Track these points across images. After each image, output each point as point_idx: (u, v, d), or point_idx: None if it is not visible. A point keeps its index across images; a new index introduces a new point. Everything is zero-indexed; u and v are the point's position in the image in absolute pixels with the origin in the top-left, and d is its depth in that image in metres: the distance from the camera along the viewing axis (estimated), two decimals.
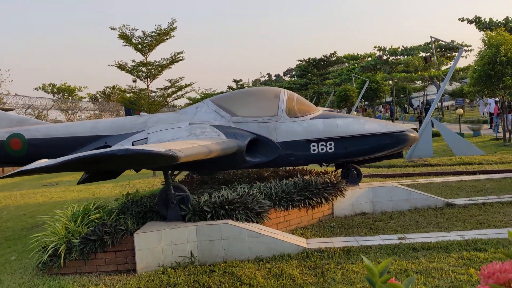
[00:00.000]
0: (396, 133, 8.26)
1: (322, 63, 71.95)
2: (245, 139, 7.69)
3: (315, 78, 73.01)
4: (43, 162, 4.22)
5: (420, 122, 30.87)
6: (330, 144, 8.06)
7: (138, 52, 16.67)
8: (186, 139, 7.59)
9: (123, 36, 16.28)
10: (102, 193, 13.60)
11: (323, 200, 7.87)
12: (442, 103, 49.01)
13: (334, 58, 70.40)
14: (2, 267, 6.78)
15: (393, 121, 43.43)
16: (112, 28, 16.09)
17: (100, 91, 55.77)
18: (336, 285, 5.01)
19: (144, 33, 16.13)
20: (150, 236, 6.15)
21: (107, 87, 56.41)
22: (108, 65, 17.78)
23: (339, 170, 9.06)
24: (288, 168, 9.74)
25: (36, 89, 39.94)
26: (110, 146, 7.92)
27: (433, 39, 16.79)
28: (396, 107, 61.81)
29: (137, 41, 16.22)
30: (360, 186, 8.75)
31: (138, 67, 16.42)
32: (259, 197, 7.11)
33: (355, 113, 63.64)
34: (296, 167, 9.70)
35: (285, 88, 67.78)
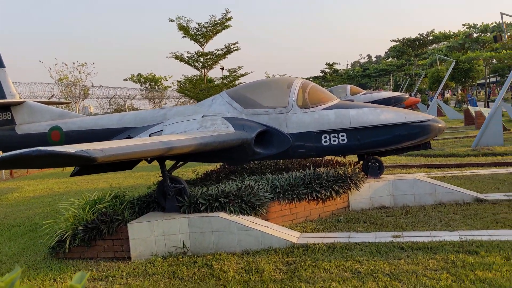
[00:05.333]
0: (417, 123, 7.76)
1: (417, 43, 68.26)
2: (253, 131, 7.69)
3: (412, 59, 69.52)
4: None
5: None
6: (343, 136, 7.78)
7: (195, 43, 17.16)
8: (196, 131, 7.78)
9: (182, 28, 16.83)
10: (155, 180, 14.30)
11: (333, 193, 7.66)
12: None
13: (430, 37, 66.46)
14: (27, 249, 7.50)
15: (487, 105, 40.24)
16: (171, 20, 16.71)
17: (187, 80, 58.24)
18: (296, 284, 4.92)
19: (198, 24, 16.54)
20: (143, 226, 6.44)
21: (194, 75, 58.85)
22: (166, 56, 18.53)
23: (361, 162, 8.72)
24: (315, 159, 9.55)
25: (125, 79, 42.68)
26: (132, 138, 8.35)
27: (503, 15, 15.26)
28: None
29: (193, 32, 16.68)
30: (381, 178, 8.36)
31: (195, 58, 16.90)
32: (259, 190, 7.10)
33: (448, 96, 60.15)
34: (323, 158, 9.49)
35: (381, 70, 65.28)
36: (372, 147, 7.91)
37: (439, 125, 7.96)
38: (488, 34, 40.97)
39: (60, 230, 6.77)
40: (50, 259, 6.71)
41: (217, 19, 16.49)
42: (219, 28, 16.94)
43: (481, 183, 9.26)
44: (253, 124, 7.90)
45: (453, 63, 35.18)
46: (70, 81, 26.61)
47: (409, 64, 70.44)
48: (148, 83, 42.48)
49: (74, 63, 30.22)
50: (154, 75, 42.26)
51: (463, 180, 9.69)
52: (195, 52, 16.79)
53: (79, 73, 27.71)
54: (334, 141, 7.82)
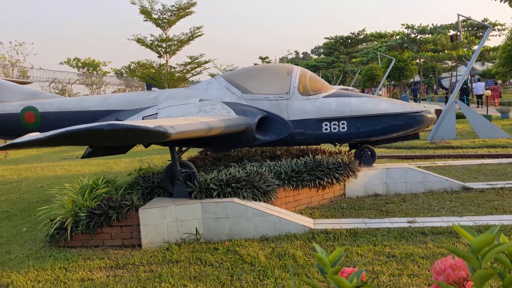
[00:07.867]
0: (412, 113, 8.00)
1: (349, 41, 70.63)
2: (255, 117, 7.56)
3: (342, 57, 71.89)
4: (33, 135, 4.19)
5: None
6: (343, 124, 7.86)
7: (158, 27, 16.58)
8: (195, 115, 7.51)
9: (144, 11, 16.19)
10: (119, 168, 13.74)
11: (334, 181, 7.72)
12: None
13: (362, 36, 68.93)
14: (13, 238, 6.90)
15: (416, 102, 42.49)
16: (132, 3, 15.99)
17: (125, 66, 56.24)
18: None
19: (163, 6, 15.99)
20: (155, 212, 6.14)
21: (132, 62, 56.87)
22: (128, 39, 17.71)
23: (353, 150, 8.86)
24: (301, 147, 9.58)
25: (61, 63, 40.47)
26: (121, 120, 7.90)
27: (460, 17, 16.11)
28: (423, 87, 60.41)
29: (157, 16, 16.11)
30: (374, 167, 8.55)
31: (157, 42, 16.34)
32: (267, 176, 7.00)
33: (380, 92, 62.74)
34: (310, 146, 9.54)
35: (311, 66, 66.90)
36: (370, 135, 8.06)
37: (431, 116, 8.26)
38: (428, 35, 43.15)
39: (59, 217, 6.28)
40: (49, 247, 6.22)
41: (182, 3, 16.00)
42: (182, 13, 16.47)
43: (458, 173, 9.74)
44: (254, 109, 7.76)
45: (393, 61, 36.66)
46: (9, 61, 24.71)
47: (339, 61, 72.82)
48: (86, 68, 40.54)
49: (11, 42, 28.17)
50: (93, 60, 40.40)
51: (439, 170, 10.13)
52: (159, 35, 16.22)
53: (17, 53, 25.79)
54: (334, 129, 7.88)
